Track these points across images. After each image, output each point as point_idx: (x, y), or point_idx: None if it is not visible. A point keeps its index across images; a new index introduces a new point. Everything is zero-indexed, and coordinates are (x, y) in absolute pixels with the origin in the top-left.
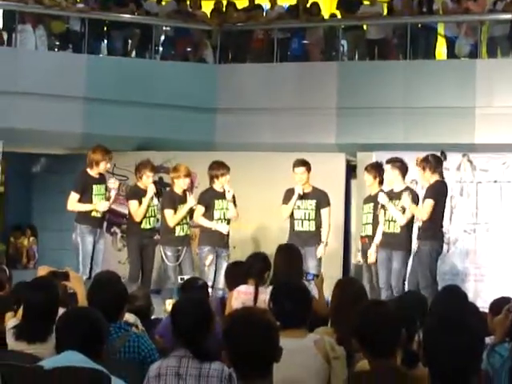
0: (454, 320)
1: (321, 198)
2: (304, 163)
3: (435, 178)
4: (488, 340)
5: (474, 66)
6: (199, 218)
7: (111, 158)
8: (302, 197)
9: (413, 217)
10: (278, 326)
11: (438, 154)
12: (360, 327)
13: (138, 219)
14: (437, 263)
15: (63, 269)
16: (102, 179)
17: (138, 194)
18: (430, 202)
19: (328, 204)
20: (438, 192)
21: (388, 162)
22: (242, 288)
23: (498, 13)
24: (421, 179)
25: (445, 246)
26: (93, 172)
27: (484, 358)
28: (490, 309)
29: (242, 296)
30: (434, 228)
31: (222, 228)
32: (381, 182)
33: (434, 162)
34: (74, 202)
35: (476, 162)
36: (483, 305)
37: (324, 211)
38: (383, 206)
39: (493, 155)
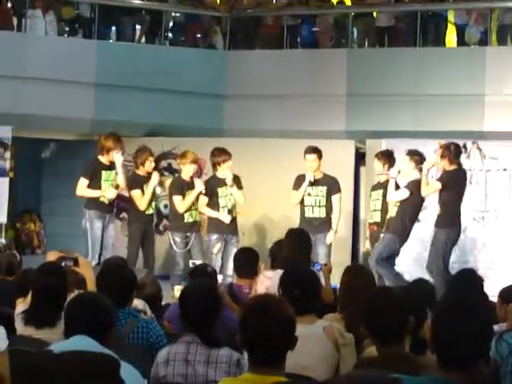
0: (462, 306)
1: (332, 185)
2: (315, 150)
3: (453, 167)
4: (496, 328)
5: (483, 54)
6: (203, 207)
7: (122, 148)
8: (313, 183)
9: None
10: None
11: (460, 143)
12: (368, 314)
13: (142, 208)
14: (451, 252)
15: (73, 254)
16: (111, 166)
17: (139, 181)
18: (436, 184)
19: (339, 190)
20: (452, 179)
21: (408, 153)
22: (269, 273)
23: (508, 0)
24: (438, 165)
25: None
26: (103, 159)
27: (492, 346)
28: (500, 296)
29: (266, 281)
30: (451, 216)
31: (224, 218)
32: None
33: (454, 152)
34: (82, 188)
35: (485, 150)
36: (492, 292)
37: (335, 198)
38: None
39: (502, 143)
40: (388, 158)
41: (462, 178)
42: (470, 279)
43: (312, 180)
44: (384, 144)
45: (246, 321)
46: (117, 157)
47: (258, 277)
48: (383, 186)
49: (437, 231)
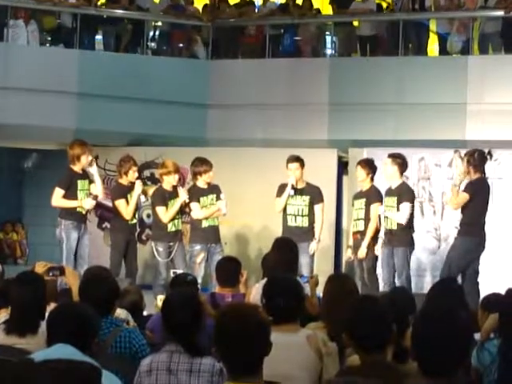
0: (442, 313)
1: (314, 194)
2: (298, 159)
3: (477, 175)
4: (477, 336)
5: (465, 63)
6: (198, 213)
7: (91, 150)
8: (296, 192)
9: (411, 213)
10: (270, 321)
11: (486, 151)
12: (351, 322)
13: (128, 217)
14: (469, 262)
15: (59, 264)
16: (85, 174)
17: (123, 191)
18: (464, 195)
19: (322, 200)
20: (477, 189)
21: (390, 156)
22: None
23: (490, 9)
24: (460, 173)
25: (436, 243)
26: (76, 167)
27: (473, 355)
28: (481, 305)
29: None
30: (473, 226)
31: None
32: (372, 179)
33: (479, 160)
34: (58, 198)
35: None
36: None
37: (317, 207)
38: (386, 217)
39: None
40: (371, 166)
41: (483, 187)
42: (450, 288)
43: (294, 184)
44: (365, 153)
45: (220, 328)
46: (92, 169)
47: (240, 286)
48: (366, 194)
49: (456, 238)
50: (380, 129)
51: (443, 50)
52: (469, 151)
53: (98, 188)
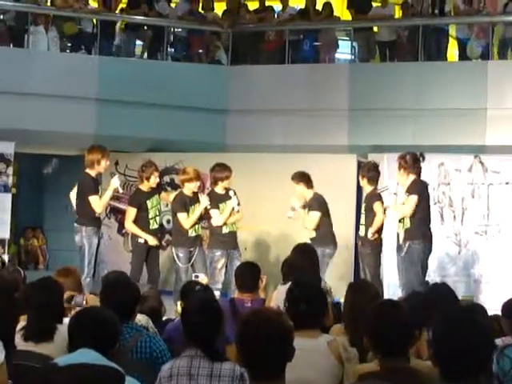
0: (463, 319)
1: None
2: (302, 178)
3: (412, 177)
4: (499, 342)
5: (485, 68)
6: (217, 220)
7: (109, 155)
8: (304, 207)
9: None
10: (292, 326)
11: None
12: (374, 326)
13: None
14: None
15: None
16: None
17: (139, 199)
18: (413, 199)
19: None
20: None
21: (397, 160)
22: (283, 288)
23: (510, 14)
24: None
25: (456, 248)
26: (93, 172)
27: (494, 361)
28: (502, 310)
29: (279, 296)
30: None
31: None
32: (372, 182)
33: (411, 162)
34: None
35: (487, 164)
36: (495, 306)
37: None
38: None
39: (504, 157)
40: (362, 169)
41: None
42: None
43: (300, 205)
44: (386, 158)
45: (243, 333)
46: (114, 181)
47: (260, 291)
48: (366, 199)
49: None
50: (399, 134)
51: (463, 55)
52: (400, 154)
53: (104, 198)
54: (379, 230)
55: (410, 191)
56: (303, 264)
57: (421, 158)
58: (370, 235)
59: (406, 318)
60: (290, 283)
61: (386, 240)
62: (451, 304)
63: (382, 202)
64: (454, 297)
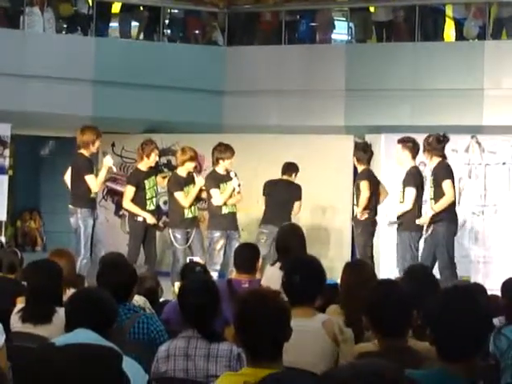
0: (461, 298)
1: None
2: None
3: (436, 160)
4: (496, 321)
5: (482, 48)
6: (218, 199)
7: (101, 135)
8: None
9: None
10: (289, 306)
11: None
12: (371, 306)
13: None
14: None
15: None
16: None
17: (138, 178)
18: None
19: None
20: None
21: (399, 141)
22: (272, 269)
23: None
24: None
25: None
26: (87, 153)
27: (491, 341)
28: (502, 290)
29: (269, 276)
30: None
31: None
32: (358, 161)
33: (435, 144)
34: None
35: (484, 144)
36: (492, 286)
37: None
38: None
39: (501, 137)
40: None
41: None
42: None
43: None
44: (383, 138)
45: (241, 313)
46: (107, 159)
47: (257, 272)
48: (359, 177)
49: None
50: (396, 114)
51: (460, 36)
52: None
53: (99, 179)
54: (368, 209)
55: (439, 177)
56: (290, 245)
57: (444, 139)
58: (359, 215)
59: (403, 296)
60: (278, 264)
61: (382, 220)
62: (425, 287)
63: (369, 181)
64: (431, 280)
